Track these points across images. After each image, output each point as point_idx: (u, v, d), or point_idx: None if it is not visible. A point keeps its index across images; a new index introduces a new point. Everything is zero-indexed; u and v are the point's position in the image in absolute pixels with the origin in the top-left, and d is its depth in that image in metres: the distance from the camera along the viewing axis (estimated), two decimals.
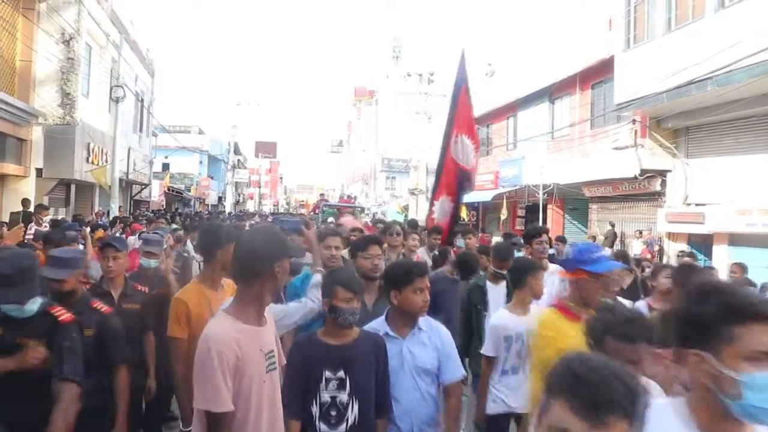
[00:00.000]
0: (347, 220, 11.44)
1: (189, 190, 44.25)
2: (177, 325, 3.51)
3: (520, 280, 4.46)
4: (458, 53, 8.61)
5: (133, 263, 5.95)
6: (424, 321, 3.43)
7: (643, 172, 15.53)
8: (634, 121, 15.66)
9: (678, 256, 8.31)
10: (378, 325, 3.42)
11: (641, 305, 4.88)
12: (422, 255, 7.45)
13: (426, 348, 3.38)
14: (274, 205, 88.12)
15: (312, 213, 27.01)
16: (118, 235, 10.98)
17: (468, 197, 26.54)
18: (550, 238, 7.30)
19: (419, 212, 28.81)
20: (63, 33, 15.88)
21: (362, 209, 30.56)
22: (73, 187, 18.28)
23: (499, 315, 4.49)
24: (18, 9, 15.00)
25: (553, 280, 5.49)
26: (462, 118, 8.04)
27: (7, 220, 11.29)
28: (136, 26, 24.92)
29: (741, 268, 8.21)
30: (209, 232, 3.83)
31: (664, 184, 15.70)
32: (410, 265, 3.54)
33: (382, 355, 3.19)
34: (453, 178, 7.95)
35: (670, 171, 15.49)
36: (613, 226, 17.76)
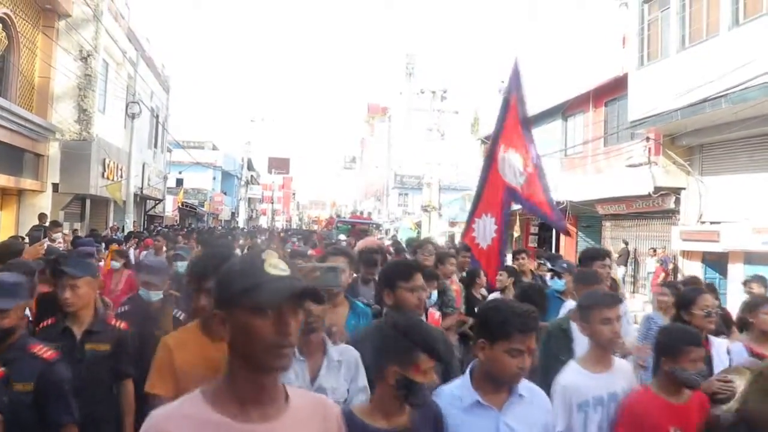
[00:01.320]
0: (369, 241, 11.21)
1: (202, 206, 44.49)
2: (158, 377, 2.66)
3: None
4: (511, 61, 7.64)
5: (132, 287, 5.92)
6: (525, 385, 2.52)
7: (657, 189, 15.45)
8: (647, 138, 15.61)
9: (745, 283, 6.96)
10: (460, 390, 2.52)
11: (737, 349, 4.04)
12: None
13: (532, 426, 2.49)
14: (286, 221, 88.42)
15: (325, 229, 26.71)
16: (131, 250, 11.00)
17: None
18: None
19: (432, 229, 28.79)
20: (81, 50, 16.12)
21: (377, 226, 30.34)
22: (88, 202, 18.44)
23: (569, 372, 3.11)
24: (38, 27, 15.26)
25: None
26: (511, 131, 7.19)
27: (26, 235, 11.38)
28: (152, 43, 25.26)
29: (761, 282, 6.75)
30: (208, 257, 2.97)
31: (678, 201, 15.61)
32: (515, 308, 2.48)
33: None
34: (499, 196, 7.08)
35: (684, 189, 15.41)
36: (626, 243, 17.64)
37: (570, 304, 4.91)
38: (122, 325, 3.71)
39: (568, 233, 8.23)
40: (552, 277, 6.20)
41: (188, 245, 11.50)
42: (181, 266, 5.95)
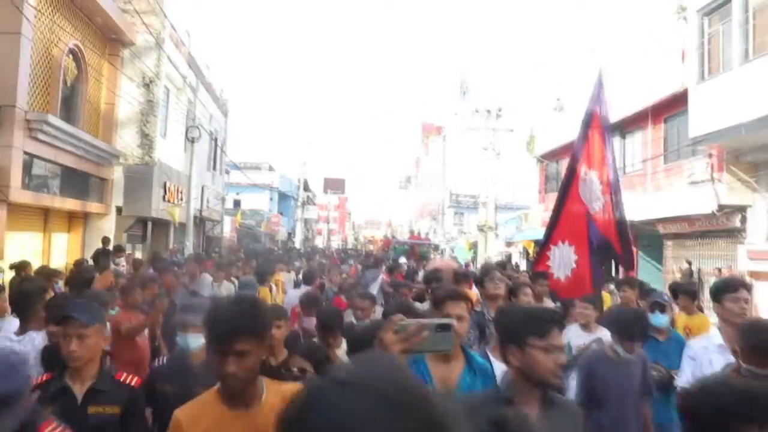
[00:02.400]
0: (445, 262, 11.27)
1: (259, 227, 45.19)
2: None
3: None
4: (594, 74, 7.12)
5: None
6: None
7: (721, 207, 14.95)
8: (710, 155, 15.16)
9: None
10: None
11: None
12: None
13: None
14: (342, 241, 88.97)
15: (381, 251, 26.27)
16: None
17: (538, 233, 26.19)
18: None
19: (488, 249, 28.52)
20: (143, 77, 16.69)
21: (436, 247, 29.75)
22: (150, 225, 18.96)
23: None
24: (104, 56, 15.90)
25: (709, 357, 4.01)
26: (593, 150, 6.50)
27: (91, 258, 11.75)
28: (211, 68, 25.95)
29: None
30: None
31: (744, 219, 15.06)
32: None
33: None
34: (579, 223, 6.37)
35: (750, 206, 14.86)
36: (689, 263, 17.09)
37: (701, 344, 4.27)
38: (134, 381, 3.15)
39: (630, 267, 7.91)
40: (653, 311, 5.37)
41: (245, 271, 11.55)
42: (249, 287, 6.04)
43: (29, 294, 4.30)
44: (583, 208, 6.39)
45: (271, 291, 10.15)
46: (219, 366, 2.18)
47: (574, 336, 5.46)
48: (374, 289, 9.92)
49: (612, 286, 10.13)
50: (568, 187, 6.59)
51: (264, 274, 10.31)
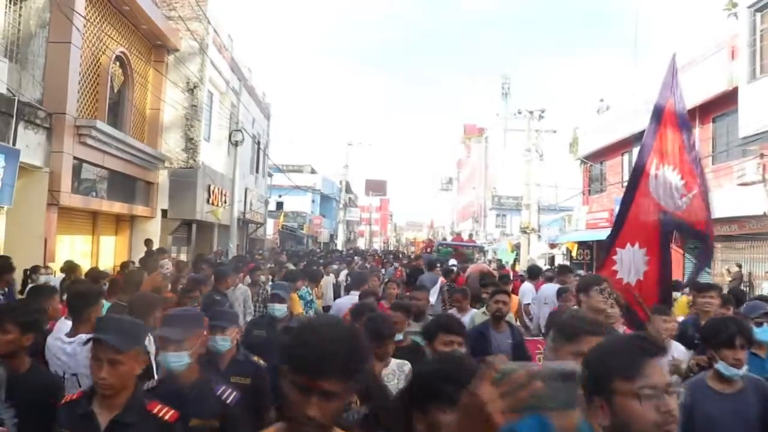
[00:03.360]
0: (477, 266, 10.92)
1: (302, 229, 45.54)
2: None
3: None
4: (667, 60, 6.46)
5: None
6: None
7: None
8: (761, 155, 14.71)
9: None
10: None
11: None
12: None
13: None
14: (384, 243, 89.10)
15: (424, 252, 25.73)
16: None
17: (581, 235, 25.81)
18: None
19: (531, 251, 28.20)
20: (188, 82, 17.00)
21: (481, 248, 29.07)
22: (194, 227, 19.26)
23: None
24: (150, 63, 16.25)
25: None
26: (666, 143, 6.01)
27: (138, 261, 11.98)
28: (254, 72, 26.27)
29: None
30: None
31: None
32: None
33: None
34: (651, 223, 5.90)
35: None
36: (740, 266, 16.61)
37: None
38: (169, 415, 2.67)
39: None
40: (759, 325, 4.57)
41: (255, 278, 10.16)
42: (279, 311, 5.57)
43: (84, 296, 4.38)
44: (655, 207, 5.86)
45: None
46: (298, 405, 1.64)
47: None
48: (434, 297, 9.43)
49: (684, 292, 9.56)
50: (636, 186, 6.05)
51: (294, 278, 9.48)
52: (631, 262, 5.82)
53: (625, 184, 23.92)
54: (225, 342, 4.01)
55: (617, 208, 21.45)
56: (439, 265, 13.52)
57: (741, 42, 14.97)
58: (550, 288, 9.44)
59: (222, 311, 4.39)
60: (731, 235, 17.29)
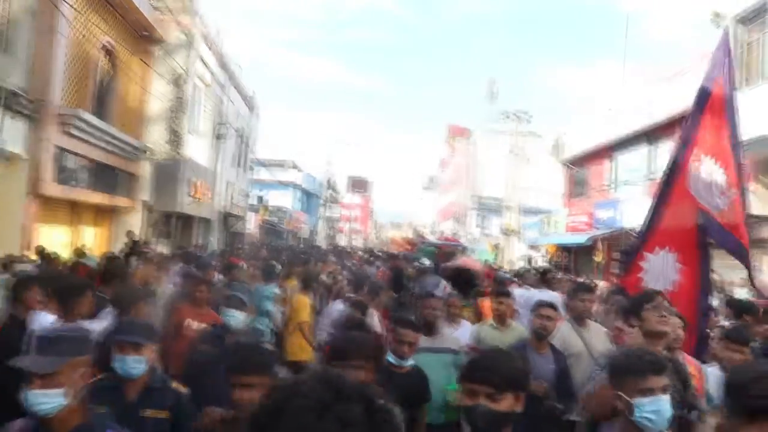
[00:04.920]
0: (462, 260, 10.11)
1: (283, 224, 45.39)
2: None
3: None
4: (718, 35, 5.74)
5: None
6: None
7: (750, 217, 14.68)
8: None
9: None
10: None
11: None
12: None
13: None
14: (364, 240, 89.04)
15: (406, 251, 25.35)
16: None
17: (561, 238, 25.99)
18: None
19: (511, 252, 28.37)
20: (174, 74, 16.86)
21: (465, 248, 28.90)
22: (175, 220, 19.16)
23: None
24: (136, 53, 16.10)
25: None
26: (711, 133, 5.11)
27: (119, 252, 11.91)
28: (240, 66, 26.13)
29: None
30: None
31: None
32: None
33: None
34: (687, 225, 5.11)
35: None
36: (713, 272, 16.82)
37: None
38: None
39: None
40: None
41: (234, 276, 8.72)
42: (235, 319, 4.48)
43: (72, 288, 4.36)
44: (694, 206, 5.06)
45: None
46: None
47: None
48: None
49: None
50: (672, 182, 5.19)
51: (270, 273, 8.98)
52: (660, 270, 5.10)
53: (607, 188, 24.17)
54: (138, 364, 3.05)
55: (598, 213, 21.46)
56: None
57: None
58: (541, 295, 8.60)
59: (132, 322, 3.52)
60: (708, 242, 17.51)
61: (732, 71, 5.28)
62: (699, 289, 5.09)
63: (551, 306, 4.95)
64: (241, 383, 2.56)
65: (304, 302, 7.96)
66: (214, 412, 2.64)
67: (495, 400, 2.13)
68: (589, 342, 5.05)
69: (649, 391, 2.45)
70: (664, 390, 2.48)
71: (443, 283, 9.71)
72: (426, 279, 11.20)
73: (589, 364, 4.75)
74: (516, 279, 13.30)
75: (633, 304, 3.82)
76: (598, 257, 21.92)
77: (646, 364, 2.51)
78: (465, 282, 8.05)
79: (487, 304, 7.74)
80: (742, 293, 15.28)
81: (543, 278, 10.20)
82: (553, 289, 9.55)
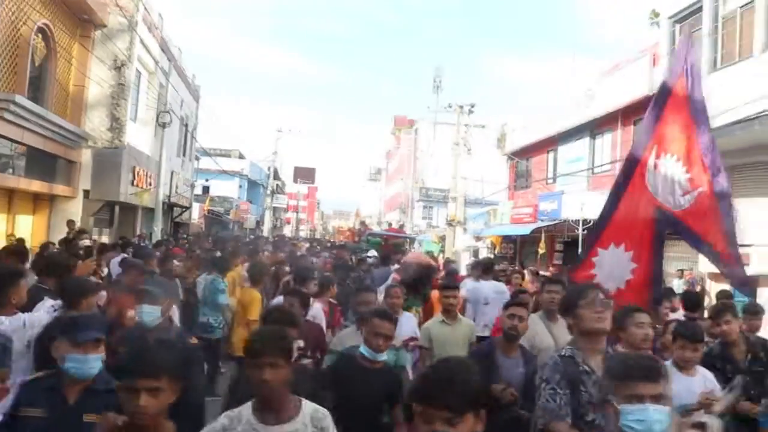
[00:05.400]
0: (415, 255, 9.90)
1: (228, 214, 44.83)
2: None
3: None
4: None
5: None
6: None
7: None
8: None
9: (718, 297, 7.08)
10: None
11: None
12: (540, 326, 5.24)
13: None
14: (311, 230, 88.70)
15: (352, 242, 25.19)
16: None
17: (505, 229, 26.45)
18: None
19: (456, 244, 28.69)
20: (115, 60, 16.42)
21: (412, 240, 28.73)
22: (117, 209, 18.71)
23: None
24: (75, 37, 15.61)
25: None
26: (671, 130, 5.08)
27: (57, 242, 11.58)
28: (184, 53, 25.61)
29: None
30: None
31: None
32: None
33: None
34: (643, 221, 5.04)
35: None
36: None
37: None
38: None
39: (744, 284, 5.36)
40: None
41: (167, 267, 8.28)
42: (149, 315, 4.19)
43: (2, 277, 4.21)
44: (651, 203, 4.98)
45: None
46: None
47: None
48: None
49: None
50: (629, 177, 5.14)
51: (222, 266, 8.86)
52: (613, 267, 5.01)
53: (550, 181, 24.66)
54: (97, 363, 2.93)
55: (541, 205, 21.91)
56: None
57: (662, 50, 15.65)
58: (489, 286, 8.84)
59: (91, 317, 3.37)
60: None
61: (696, 72, 5.18)
62: (651, 281, 4.99)
63: (522, 305, 4.71)
64: (131, 387, 2.37)
65: (256, 298, 7.51)
66: (112, 417, 2.44)
67: (454, 425, 1.92)
68: (558, 337, 4.93)
69: (637, 398, 2.35)
70: (656, 399, 2.35)
71: (392, 276, 9.34)
72: (377, 272, 11.15)
73: None
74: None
75: (565, 301, 3.67)
76: (542, 249, 22.38)
77: (637, 369, 2.41)
78: (421, 279, 7.73)
79: (436, 296, 7.60)
80: (679, 285, 15.86)
81: (486, 269, 9.67)
82: (498, 281, 9.50)
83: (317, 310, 6.25)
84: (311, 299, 5.90)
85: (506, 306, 4.70)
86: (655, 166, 5.00)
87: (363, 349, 3.94)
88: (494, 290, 8.74)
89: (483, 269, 9.73)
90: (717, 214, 4.83)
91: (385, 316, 4.06)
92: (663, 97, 5.18)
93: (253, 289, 7.74)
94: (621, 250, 5.01)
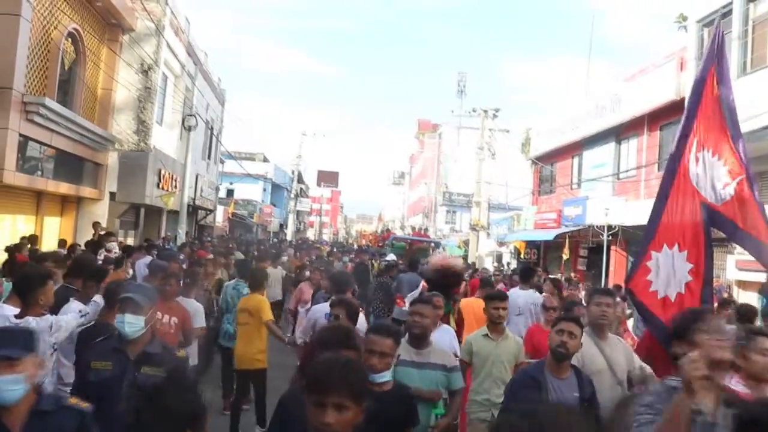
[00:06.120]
0: (442, 257, 8.58)
1: (252, 217, 45.13)
2: None
3: None
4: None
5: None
6: None
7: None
8: None
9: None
10: None
11: None
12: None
13: None
14: (333, 234, 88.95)
15: (376, 247, 24.95)
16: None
17: (529, 234, 26.26)
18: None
19: (479, 248, 28.56)
20: (142, 63, 16.61)
21: (437, 244, 28.16)
22: (142, 212, 18.91)
23: None
24: (103, 41, 15.82)
25: None
26: (709, 123, 4.83)
27: (84, 244, 11.74)
28: (210, 57, 25.86)
29: None
30: None
31: None
32: None
33: None
34: (693, 220, 4.66)
35: None
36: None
37: None
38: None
39: None
40: None
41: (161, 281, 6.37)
42: (132, 326, 3.59)
43: (30, 279, 4.29)
44: (697, 199, 4.66)
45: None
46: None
47: None
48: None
49: None
50: (673, 175, 4.80)
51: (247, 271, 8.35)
52: (671, 271, 4.56)
53: (575, 186, 24.46)
54: (15, 385, 2.50)
55: (566, 210, 21.65)
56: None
57: (689, 54, 15.44)
58: (525, 295, 8.21)
59: (9, 330, 3.11)
60: None
61: (725, 67, 4.95)
62: (704, 282, 4.60)
63: (575, 320, 4.18)
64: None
65: (263, 301, 7.16)
66: None
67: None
68: (611, 357, 4.40)
69: None
70: None
71: (422, 283, 8.75)
72: (403, 277, 10.51)
73: (612, 385, 4.27)
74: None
75: (678, 325, 3.13)
76: (566, 254, 22.21)
77: None
78: (449, 284, 7.06)
79: (471, 308, 7.22)
80: None
81: (524, 277, 8.96)
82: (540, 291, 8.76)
83: (362, 323, 5.44)
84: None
85: (556, 321, 4.23)
86: (696, 161, 4.71)
87: None
88: (530, 300, 8.08)
89: (521, 276, 9.09)
90: (755, 203, 4.57)
91: (384, 332, 3.58)
92: (698, 89, 4.91)
93: (256, 294, 7.19)
94: (675, 250, 4.58)
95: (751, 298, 14.23)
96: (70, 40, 14.07)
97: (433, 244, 25.26)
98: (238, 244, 20.45)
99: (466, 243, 31.31)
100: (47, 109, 12.15)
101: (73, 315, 4.51)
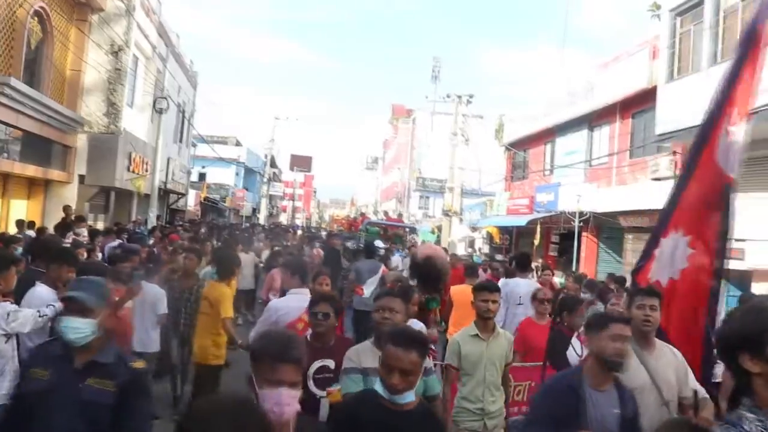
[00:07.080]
0: (430, 247, 7.89)
1: (224, 201, 44.79)
2: None
3: None
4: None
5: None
6: None
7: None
8: (674, 152, 15.44)
9: None
10: None
11: None
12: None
13: None
14: (306, 219, 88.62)
15: (348, 231, 24.89)
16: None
17: (502, 220, 26.43)
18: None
19: (452, 234, 28.69)
20: (112, 44, 16.27)
21: (413, 229, 27.79)
22: (113, 195, 18.63)
23: None
24: (72, 20, 15.45)
25: None
26: (749, 87, 4.05)
27: (54, 228, 11.55)
28: (182, 39, 25.47)
29: None
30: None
31: None
32: None
33: None
34: (709, 203, 4.14)
35: None
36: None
37: None
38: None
39: None
40: None
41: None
42: (77, 332, 2.88)
43: None
44: (720, 179, 4.06)
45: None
46: None
47: None
48: (369, 289, 7.88)
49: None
50: (699, 152, 4.19)
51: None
52: (671, 256, 4.15)
53: (547, 173, 24.64)
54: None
55: (538, 196, 21.78)
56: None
57: (662, 43, 15.59)
58: (526, 284, 7.82)
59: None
60: (642, 226, 18.09)
61: None
62: (710, 274, 4.02)
63: (627, 321, 3.42)
64: None
65: (226, 293, 6.45)
66: None
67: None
68: (656, 371, 3.63)
69: None
70: None
71: (381, 268, 8.48)
72: (361, 266, 9.50)
73: (656, 406, 3.53)
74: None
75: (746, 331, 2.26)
76: (537, 240, 22.43)
77: None
78: (436, 277, 6.41)
79: (464, 295, 6.34)
80: None
81: (522, 265, 8.37)
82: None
83: (418, 324, 4.86)
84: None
85: (604, 324, 3.33)
86: (727, 134, 4.02)
87: (378, 386, 2.84)
88: (532, 289, 7.22)
89: (519, 264, 8.58)
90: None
91: (406, 342, 2.84)
92: (746, 46, 4.06)
93: (221, 284, 6.50)
94: (680, 234, 4.11)
95: None
96: (36, 18, 13.72)
97: (408, 230, 25.20)
98: (210, 228, 20.24)
99: (439, 228, 31.43)
100: (12, 89, 11.86)
101: (32, 312, 4.25)
